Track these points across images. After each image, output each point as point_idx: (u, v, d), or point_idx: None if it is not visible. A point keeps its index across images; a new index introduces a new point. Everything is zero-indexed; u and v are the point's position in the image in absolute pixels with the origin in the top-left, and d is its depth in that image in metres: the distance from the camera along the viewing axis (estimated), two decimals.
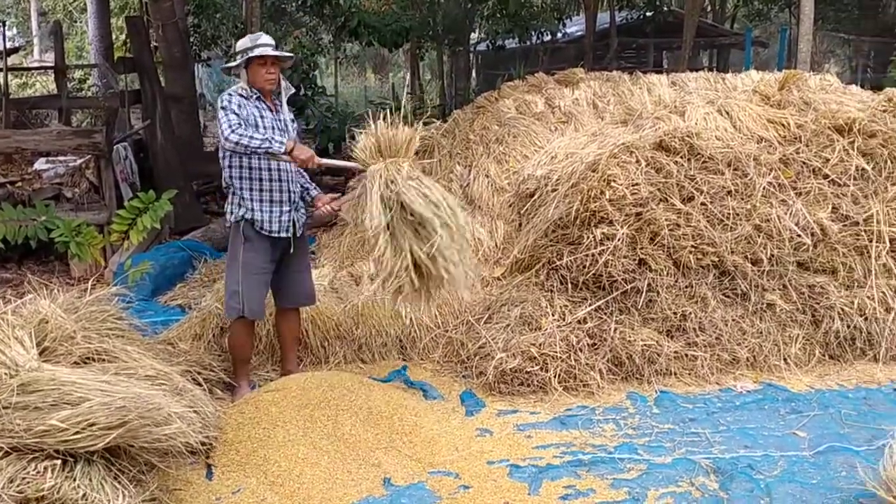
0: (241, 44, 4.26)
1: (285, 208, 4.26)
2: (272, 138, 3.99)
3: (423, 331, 5.16)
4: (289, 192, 4.26)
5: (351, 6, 11.14)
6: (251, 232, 4.21)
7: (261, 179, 4.19)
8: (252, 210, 4.19)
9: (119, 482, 3.07)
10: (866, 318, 4.95)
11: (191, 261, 6.90)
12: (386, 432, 3.83)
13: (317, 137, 11.11)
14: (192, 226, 8.34)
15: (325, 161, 4.21)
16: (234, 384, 4.43)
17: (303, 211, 4.43)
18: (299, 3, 13.18)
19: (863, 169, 5.28)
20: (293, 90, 4.57)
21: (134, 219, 5.84)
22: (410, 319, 5.13)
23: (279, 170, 4.21)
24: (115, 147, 7.71)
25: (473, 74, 23.34)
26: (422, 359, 5.05)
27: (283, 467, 3.53)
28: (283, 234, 4.27)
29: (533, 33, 17.38)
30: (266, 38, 4.24)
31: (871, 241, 5.11)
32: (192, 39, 13.38)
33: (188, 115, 10.83)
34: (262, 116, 4.18)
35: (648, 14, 18.45)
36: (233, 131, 3.94)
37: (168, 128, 9.23)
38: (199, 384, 4.02)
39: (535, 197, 5.89)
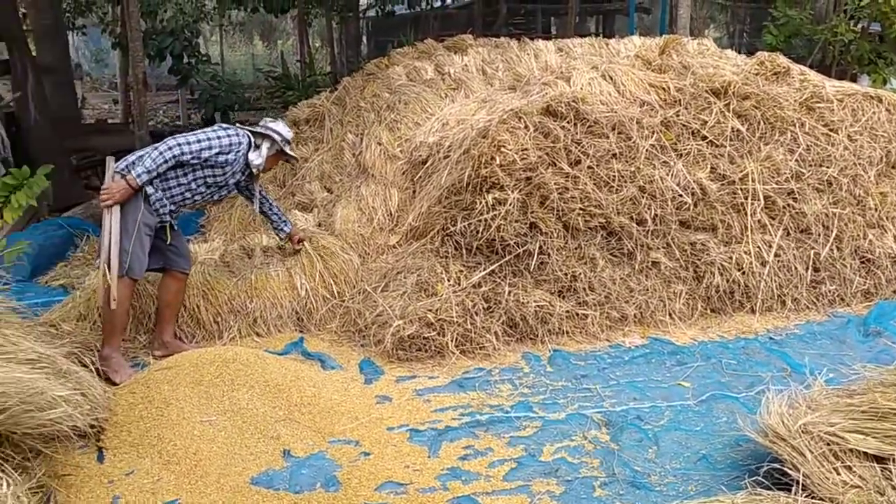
0: (284, 132, 4.61)
1: (173, 216, 4.47)
2: (147, 172, 4.13)
3: (319, 302, 5.12)
4: (180, 210, 4.54)
5: None
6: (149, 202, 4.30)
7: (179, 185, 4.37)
8: (161, 192, 4.31)
9: (2, 470, 2.94)
10: (743, 272, 5.21)
11: (72, 239, 6.61)
12: (284, 404, 3.80)
13: (202, 107, 10.78)
14: (72, 202, 7.98)
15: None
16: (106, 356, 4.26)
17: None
18: None
19: (738, 130, 5.51)
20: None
21: (7, 196, 5.53)
22: (306, 291, 5.08)
23: (196, 197, 4.46)
24: None
25: (364, 41, 23.02)
26: (319, 330, 5.02)
27: (179, 446, 3.46)
28: (164, 221, 4.41)
29: None
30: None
31: (746, 199, 5.35)
32: (64, 6, 12.69)
33: (63, 86, 10.30)
34: (235, 181, 4.55)
35: None
36: (168, 148, 4.17)
37: (41, 100, 8.76)
38: (86, 366, 3.88)
39: (428, 164, 5.90)
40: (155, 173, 4.16)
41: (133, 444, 3.51)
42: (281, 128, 4.63)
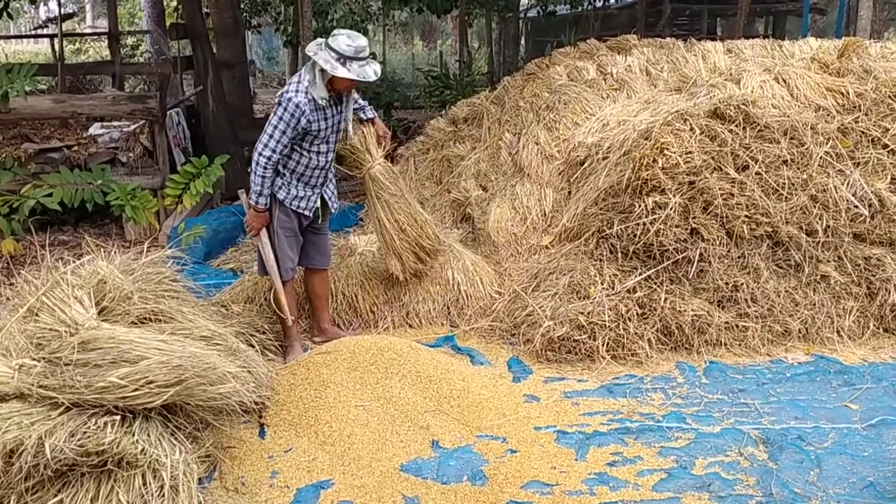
0: (342, 47, 4.01)
1: (316, 191, 4.45)
2: (260, 194, 4.20)
3: (470, 298, 5.17)
4: (321, 178, 4.45)
5: None
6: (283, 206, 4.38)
7: (295, 167, 4.34)
8: (286, 191, 4.34)
9: (176, 438, 3.15)
10: None
11: (242, 226, 6.97)
12: (434, 396, 3.87)
13: None
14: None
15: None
16: (285, 346, 4.56)
17: (332, 185, 4.62)
18: None
19: None
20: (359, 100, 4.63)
21: (187, 183, 5.90)
22: (458, 287, 5.14)
23: (317, 160, 4.35)
24: (168, 113, 7.81)
25: (522, 41, 23.04)
26: (468, 326, 5.06)
27: (334, 428, 3.60)
28: (308, 214, 4.44)
29: None
30: (364, 46, 4.10)
31: None
32: (242, 6, 13.43)
33: (239, 81, 10.87)
34: (325, 118, 4.22)
35: None
36: (257, 163, 4.15)
37: (219, 94, 9.31)
38: (252, 346, 4.10)
39: (586, 165, 5.83)
40: (266, 187, 4.20)
41: (292, 423, 3.68)
42: (340, 43, 4.01)
